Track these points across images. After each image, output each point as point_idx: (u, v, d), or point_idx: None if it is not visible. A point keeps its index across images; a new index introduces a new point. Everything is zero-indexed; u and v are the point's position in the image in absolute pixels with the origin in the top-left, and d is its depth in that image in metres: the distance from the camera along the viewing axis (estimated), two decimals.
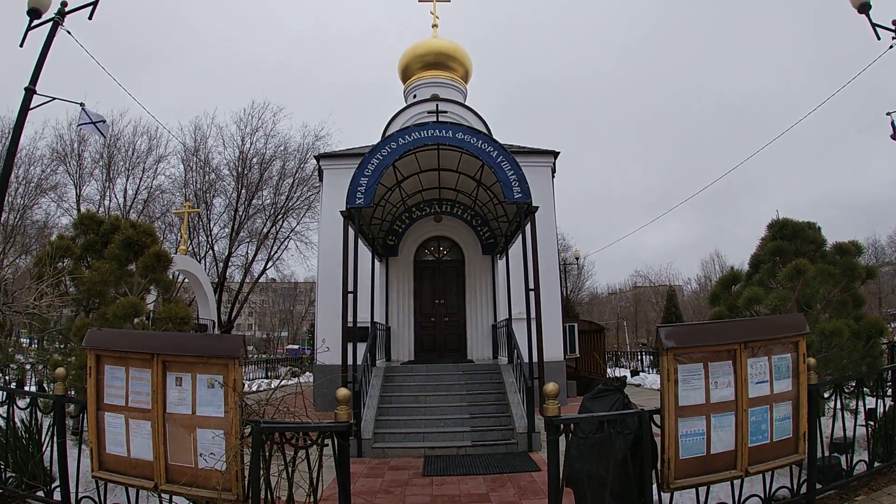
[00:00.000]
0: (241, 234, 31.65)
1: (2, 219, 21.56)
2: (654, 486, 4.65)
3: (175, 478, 4.76)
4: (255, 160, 31.91)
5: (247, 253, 32.76)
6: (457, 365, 13.24)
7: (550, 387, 4.70)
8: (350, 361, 10.15)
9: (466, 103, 20.56)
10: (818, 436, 5.20)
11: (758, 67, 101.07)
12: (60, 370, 5.86)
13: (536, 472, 8.39)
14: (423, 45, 22.06)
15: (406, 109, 19.25)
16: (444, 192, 14.96)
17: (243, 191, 31.52)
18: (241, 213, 31.32)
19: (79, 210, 29.05)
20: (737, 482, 4.83)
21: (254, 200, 31.80)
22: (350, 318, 10.29)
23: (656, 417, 4.60)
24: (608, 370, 24.65)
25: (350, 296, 10.38)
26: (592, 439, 4.65)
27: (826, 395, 5.75)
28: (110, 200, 30.86)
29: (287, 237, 33.10)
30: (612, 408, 4.93)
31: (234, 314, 32.40)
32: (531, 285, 10.38)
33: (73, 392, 6.84)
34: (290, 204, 32.25)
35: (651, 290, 54.67)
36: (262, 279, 36.39)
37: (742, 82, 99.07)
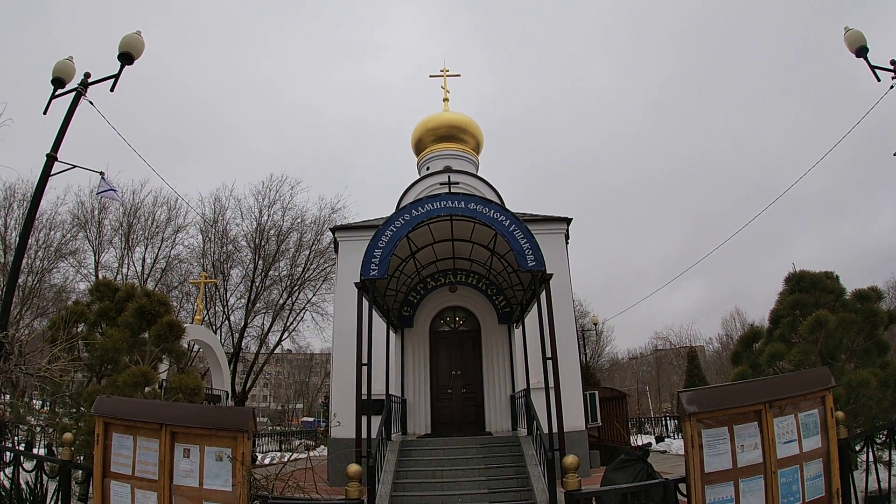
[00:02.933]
0: (258, 304, 31.75)
1: (19, 281, 21.83)
2: None
3: None
4: (272, 232, 32.30)
5: (262, 324, 32.78)
6: (475, 438, 12.96)
7: (570, 459, 4.59)
8: (364, 435, 9.97)
9: (479, 174, 20.83)
10: (852, 491, 4.99)
11: (767, 135, 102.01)
12: (68, 435, 5.85)
13: None
14: (435, 119, 22.57)
15: (419, 182, 19.55)
16: (459, 262, 14.99)
17: (260, 262, 31.77)
18: (257, 284, 31.49)
19: (97, 276, 29.45)
20: None
21: (270, 272, 32.00)
22: (364, 391, 10.15)
23: (682, 486, 4.44)
24: (632, 437, 24.07)
25: (364, 368, 10.27)
26: None
27: (857, 448, 5.53)
28: (128, 268, 31.25)
29: (303, 308, 33.15)
30: (636, 479, 4.81)
31: (248, 385, 32.16)
32: (548, 354, 10.25)
33: (81, 458, 6.77)
34: (306, 275, 32.42)
35: (672, 353, 53.70)
36: (277, 350, 36.29)
37: (753, 152, 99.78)
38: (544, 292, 10.61)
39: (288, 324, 33.17)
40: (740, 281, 76.73)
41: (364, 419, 10.07)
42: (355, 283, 10.79)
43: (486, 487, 10.64)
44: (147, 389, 7.85)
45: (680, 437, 22.07)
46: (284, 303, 32.25)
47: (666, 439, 24.13)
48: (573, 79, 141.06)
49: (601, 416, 19.13)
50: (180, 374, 8.51)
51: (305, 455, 14.84)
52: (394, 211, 14.79)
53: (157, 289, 26.20)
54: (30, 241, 27.74)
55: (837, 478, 4.74)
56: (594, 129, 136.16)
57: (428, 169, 21.39)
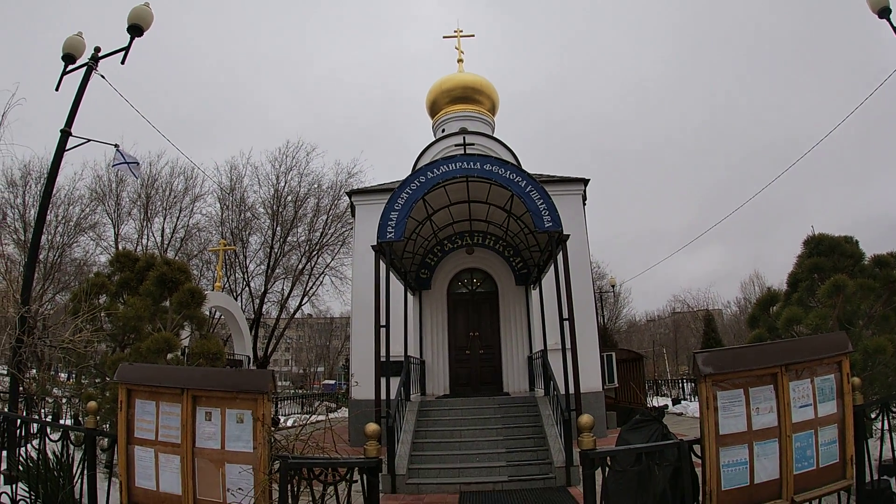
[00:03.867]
0: (277, 270, 32.01)
1: (40, 257, 22.14)
2: None
3: None
4: (289, 198, 32.36)
5: (282, 289, 33.10)
6: (492, 398, 13.07)
7: (585, 419, 4.59)
8: (384, 396, 10.09)
9: (495, 135, 20.65)
10: (866, 459, 4.95)
11: (789, 99, 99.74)
12: (92, 404, 5.92)
13: None
14: (449, 80, 22.33)
15: (435, 144, 19.43)
16: (476, 224, 14.95)
17: (278, 228, 31.92)
18: (276, 251, 31.69)
19: (117, 248, 29.75)
20: None
21: (289, 237, 32.18)
22: (383, 353, 10.25)
23: (697, 448, 4.43)
24: (648, 399, 24.10)
25: (383, 330, 10.36)
26: (631, 473, 4.51)
27: (873, 416, 5.49)
28: (148, 239, 31.59)
29: (322, 273, 33.38)
30: (651, 439, 4.80)
31: (270, 350, 32.59)
32: (565, 315, 10.24)
33: (106, 426, 6.90)
34: (324, 240, 32.54)
35: (690, 316, 53.47)
36: (298, 315, 36.69)
37: (774, 117, 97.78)
38: (561, 253, 10.56)
39: (307, 289, 33.48)
40: (760, 246, 76.07)
41: (383, 380, 10.19)
42: (372, 246, 10.81)
43: (503, 447, 10.73)
44: (170, 356, 7.95)
45: (696, 399, 22.06)
46: (303, 268, 32.49)
47: (682, 402, 24.12)
48: (594, 46, 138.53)
49: (618, 377, 19.17)
50: (202, 339, 8.62)
51: (326, 417, 15.12)
52: (410, 173, 14.79)
53: (176, 258, 26.46)
54: (49, 216, 28.24)
55: (852, 444, 4.71)
56: (613, 94, 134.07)
57: (443, 131, 21.23)
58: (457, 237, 15.66)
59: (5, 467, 7.07)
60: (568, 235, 10.65)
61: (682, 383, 28.85)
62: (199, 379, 5.02)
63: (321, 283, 33.70)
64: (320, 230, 32.55)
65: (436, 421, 11.72)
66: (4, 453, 7.72)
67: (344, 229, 32.19)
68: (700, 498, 4.39)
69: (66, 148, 9.25)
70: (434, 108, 22.57)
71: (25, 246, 25.34)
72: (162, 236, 32.01)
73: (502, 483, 9.69)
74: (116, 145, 10.46)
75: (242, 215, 32.77)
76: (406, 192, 10.60)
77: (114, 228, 31.43)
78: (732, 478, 4.35)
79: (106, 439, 5.96)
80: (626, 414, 17.47)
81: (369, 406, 10.65)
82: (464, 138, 15.03)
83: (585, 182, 17.25)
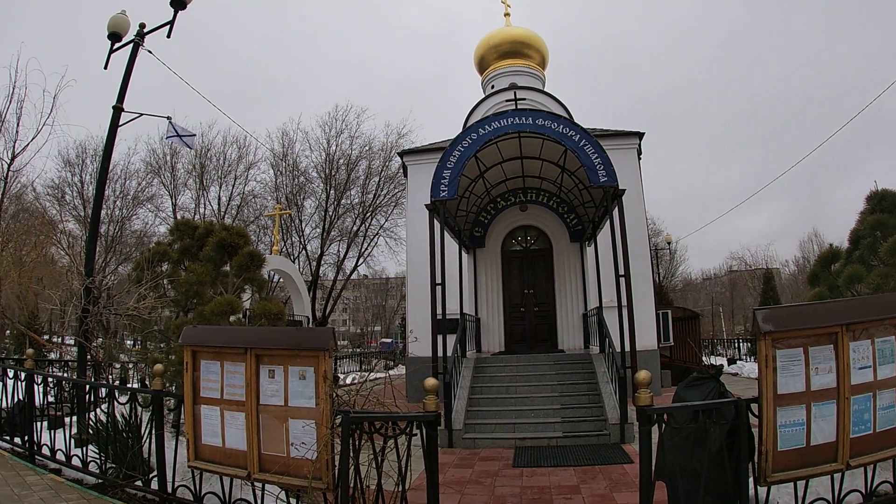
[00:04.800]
0: (332, 233, 32.45)
1: (101, 231, 22.92)
2: (751, 479, 4.42)
3: (267, 466, 4.90)
4: (341, 161, 32.60)
5: (338, 251, 33.59)
6: (547, 355, 13.09)
7: (642, 375, 4.55)
8: (441, 353, 10.21)
9: (545, 89, 20.26)
10: None
11: (849, 56, 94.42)
12: (159, 366, 6.11)
13: (629, 464, 8.18)
14: (498, 35, 21.88)
15: (485, 100, 19.16)
16: (529, 181, 14.81)
17: (331, 192, 32.26)
18: (330, 214, 32.09)
19: (175, 218, 30.68)
20: (836, 476, 4.52)
21: (342, 200, 32.50)
22: (439, 311, 10.34)
23: (754, 407, 4.35)
24: (703, 358, 23.73)
25: (438, 288, 10.44)
26: (687, 430, 4.47)
27: None
28: (205, 207, 32.51)
29: (376, 234, 33.69)
30: (708, 397, 4.72)
31: (328, 310, 33.25)
32: (621, 271, 10.12)
33: (172, 387, 7.14)
34: (377, 202, 32.78)
35: (747, 275, 52.07)
36: (354, 276, 37.18)
37: (835, 73, 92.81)
38: (616, 209, 10.39)
39: (362, 250, 33.87)
40: (820, 203, 73.12)
41: (440, 338, 10.32)
42: (426, 205, 10.85)
43: (558, 403, 10.79)
44: (232, 318, 8.14)
45: (752, 360, 21.63)
46: (358, 230, 32.86)
47: (738, 362, 23.64)
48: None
49: (673, 336, 18.91)
50: (263, 301, 8.79)
51: (384, 374, 15.45)
52: (461, 131, 14.70)
53: (234, 224, 27.13)
54: (107, 192, 29.26)
55: None
56: (665, 46, 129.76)
57: (493, 87, 20.86)
58: (510, 194, 15.55)
59: (75, 431, 7.43)
60: (623, 190, 10.46)
61: (738, 343, 28.31)
62: (262, 338, 5.14)
63: (375, 244, 34.06)
64: (373, 192, 32.80)
65: (491, 377, 11.83)
66: (74, 418, 8.12)
67: (396, 190, 32.32)
68: (756, 458, 4.33)
69: (120, 123, 9.49)
70: (482, 65, 22.18)
71: (86, 222, 26.30)
72: (218, 204, 32.90)
73: (557, 439, 9.78)
74: (169, 118, 10.66)
75: (296, 180, 33.26)
76: (458, 149, 10.55)
77: (171, 199, 32.63)
78: (789, 439, 4.28)
79: (172, 400, 6.16)
80: (680, 373, 17.30)
81: (426, 363, 10.79)
82: (514, 93, 14.79)
83: (640, 136, 16.82)
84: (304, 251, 32.97)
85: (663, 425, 4.45)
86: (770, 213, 76.02)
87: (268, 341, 5.03)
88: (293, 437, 4.74)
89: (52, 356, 16.10)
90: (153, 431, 5.87)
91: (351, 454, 4.45)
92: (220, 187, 33.34)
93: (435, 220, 10.81)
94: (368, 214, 32.82)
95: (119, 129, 9.51)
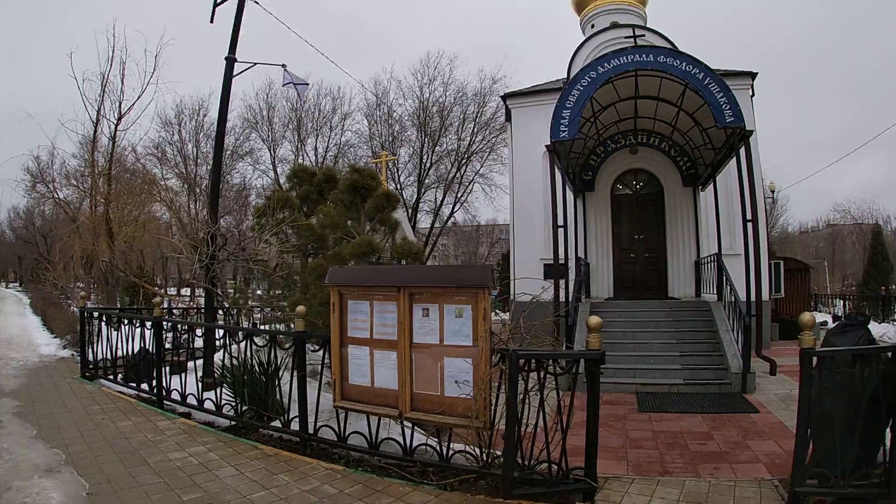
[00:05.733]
0: (428, 180, 32.61)
1: (202, 186, 23.86)
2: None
3: (419, 406, 4.94)
4: (434, 109, 32.61)
5: (434, 198, 33.77)
6: (662, 301, 12.82)
7: (807, 317, 4.36)
8: (561, 298, 10.15)
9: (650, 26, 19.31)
10: None
11: None
12: (301, 308, 6.15)
13: (755, 413, 7.98)
14: None
15: (589, 40, 18.31)
16: (641, 122, 14.20)
17: (426, 139, 32.31)
18: (425, 161, 32.21)
19: (274, 170, 31.94)
20: None
21: (437, 147, 32.52)
22: (561, 253, 10.24)
23: None
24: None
25: (560, 230, 10.35)
26: (840, 376, 4.25)
27: None
28: (303, 159, 33.42)
29: (471, 181, 33.59)
30: (858, 343, 4.48)
31: (427, 257, 33.62)
32: (748, 216, 9.69)
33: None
34: (472, 148, 32.57)
35: (850, 230, 48.94)
36: (447, 223, 37.45)
37: None
38: (743, 151, 9.88)
39: (458, 196, 33.89)
40: None
41: (561, 282, 10.24)
42: (546, 146, 10.63)
43: (677, 350, 10.55)
44: (372, 259, 8.22)
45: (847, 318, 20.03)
46: (453, 177, 32.84)
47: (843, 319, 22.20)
48: None
49: (784, 288, 18.11)
50: (403, 241, 8.84)
51: (497, 317, 15.50)
52: (566, 74, 14.27)
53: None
54: (205, 148, 30.67)
55: None
56: None
57: (592, 27, 19.95)
58: (620, 136, 14.98)
59: (202, 375, 7.73)
60: (751, 131, 9.99)
61: (835, 300, 26.82)
62: (417, 277, 5.17)
63: (471, 190, 34.01)
64: (468, 139, 32.62)
65: (609, 323, 11.55)
66: (198, 362, 8.44)
67: (492, 136, 32.06)
68: None
69: (234, 74, 9.65)
70: (580, 4, 21.28)
71: (186, 178, 27.34)
72: (315, 155, 33.72)
73: (678, 386, 9.64)
74: (283, 65, 10.78)
75: (390, 129, 33.50)
76: (577, 88, 10.23)
77: (270, 152, 33.66)
78: None
79: (316, 341, 6.10)
80: (787, 326, 16.51)
81: (527, 308, 10.68)
82: (633, 29, 14.16)
83: (753, 76, 15.92)
84: (400, 198, 33.19)
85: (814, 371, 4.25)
86: (873, 163, 70.62)
87: (422, 279, 5.04)
88: (448, 375, 4.75)
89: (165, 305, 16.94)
90: (294, 373, 5.95)
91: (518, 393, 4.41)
92: (317, 138, 34.15)
93: (555, 164, 10.64)
94: (464, 161, 32.72)
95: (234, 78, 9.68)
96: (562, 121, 10.17)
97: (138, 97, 16.74)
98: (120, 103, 16.82)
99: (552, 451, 4.53)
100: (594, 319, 4.62)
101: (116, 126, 16.87)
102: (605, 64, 10.24)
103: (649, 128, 14.42)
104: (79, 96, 28.62)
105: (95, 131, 16.80)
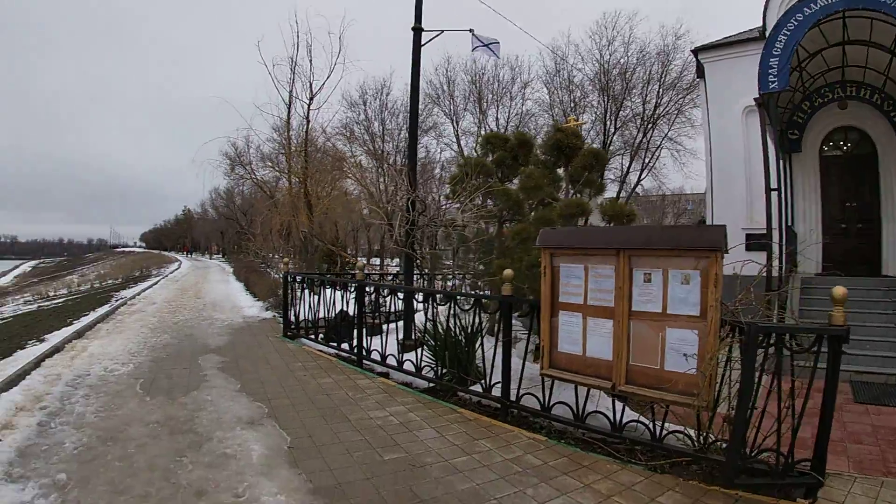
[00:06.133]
0: (612, 147, 31.29)
1: (390, 161, 24.71)
2: None
3: (635, 378, 4.60)
4: (615, 72, 30.92)
5: (621, 164, 32.39)
6: (880, 279, 11.30)
7: None
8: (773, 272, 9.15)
9: None
10: None
11: None
12: (508, 271, 5.99)
13: None
14: None
15: None
16: (849, 72, 12.50)
17: (609, 103, 30.93)
18: (608, 127, 30.91)
19: (458, 143, 32.18)
20: None
21: (620, 112, 31.01)
22: (776, 220, 9.55)
23: None
24: None
25: (774, 193, 9.64)
26: None
27: None
28: (485, 130, 33.41)
29: (659, 145, 31.64)
30: None
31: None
32: None
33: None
34: (658, 111, 30.55)
35: None
36: (634, 190, 35.90)
37: None
38: None
39: (646, 162, 32.19)
40: None
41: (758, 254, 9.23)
42: (755, 99, 9.79)
43: (894, 335, 9.25)
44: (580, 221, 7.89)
45: None
46: (639, 142, 31.16)
47: None
48: None
49: None
50: (613, 202, 8.44)
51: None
52: (761, 21, 12.91)
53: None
54: (390, 125, 33.38)
55: None
56: None
57: None
58: (826, 89, 13.26)
59: (402, 337, 7.82)
60: None
61: None
62: (638, 238, 4.74)
63: (658, 156, 32.11)
64: (653, 101, 30.65)
65: (818, 300, 10.38)
66: (398, 324, 8.58)
67: (679, 97, 29.87)
68: None
69: (422, 43, 9.73)
70: None
71: (375, 154, 28.42)
72: (496, 126, 33.73)
73: None
74: (471, 30, 10.61)
75: (571, 95, 32.49)
76: (783, 33, 9.28)
77: (452, 125, 34.18)
78: None
79: (524, 305, 5.95)
80: None
81: (728, 281, 9.78)
82: None
83: None
84: (607, 157, 32.33)
85: None
86: None
87: (644, 241, 4.61)
88: (670, 347, 4.36)
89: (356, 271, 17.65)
90: (499, 338, 5.83)
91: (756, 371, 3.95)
92: (498, 109, 34.18)
93: (765, 117, 9.76)
94: (650, 125, 30.87)
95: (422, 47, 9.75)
96: (770, 70, 9.22)
97: (328, 76, 17.51)
98: (311, 83, 17.46)
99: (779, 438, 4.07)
100: (839, 290, 3.99)
101: (309, 105, 17.56)
102: (812, 5, 9.16)
103: (859, 78, 12.68)
104: (268, 83, 31.15)
105: (289, 111, 17.68)
